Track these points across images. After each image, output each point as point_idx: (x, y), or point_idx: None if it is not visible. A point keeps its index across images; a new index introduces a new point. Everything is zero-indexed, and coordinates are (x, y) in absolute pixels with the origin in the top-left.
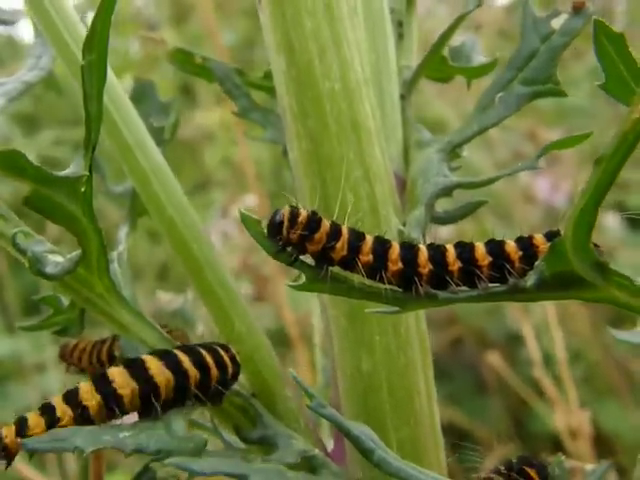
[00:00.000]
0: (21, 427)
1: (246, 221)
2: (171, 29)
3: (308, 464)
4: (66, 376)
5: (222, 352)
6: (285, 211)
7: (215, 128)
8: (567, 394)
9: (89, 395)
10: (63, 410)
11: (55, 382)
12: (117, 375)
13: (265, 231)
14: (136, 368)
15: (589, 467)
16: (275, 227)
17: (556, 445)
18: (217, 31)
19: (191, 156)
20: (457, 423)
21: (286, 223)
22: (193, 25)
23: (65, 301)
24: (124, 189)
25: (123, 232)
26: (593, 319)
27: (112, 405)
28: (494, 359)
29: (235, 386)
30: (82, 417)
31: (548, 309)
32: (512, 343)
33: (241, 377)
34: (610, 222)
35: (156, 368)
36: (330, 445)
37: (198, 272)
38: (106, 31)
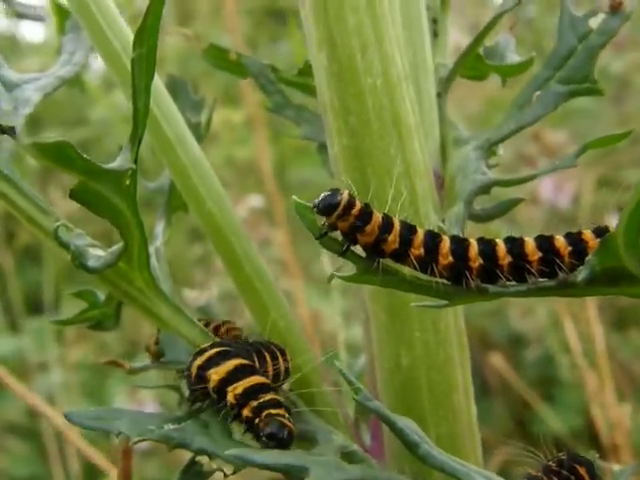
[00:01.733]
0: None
1: (298, 207)
2: (176, 30)
3: (348, 460)
4: (68, 376)
5: (280, 358)
6: (343, 196)
7: (219, 128)
8: (604, 388)
9: None
10: None
11: (58, 381)
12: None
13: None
14: None
15: (616, 467)
16: (327, 207)
17: (558, 447)
18: (237, 29)
19: None
20: None
21: (340, 209)
22: (197, 26)
23: (101, 295)
24: (158, 185)
25: (160, 227)
26: (593, 327)
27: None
28: (497, 361)
29: None
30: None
31: (589, 304)
32: (515, 345)
33: None
34: (614, 223)
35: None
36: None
37: (237, 266)
38: (157, 24)
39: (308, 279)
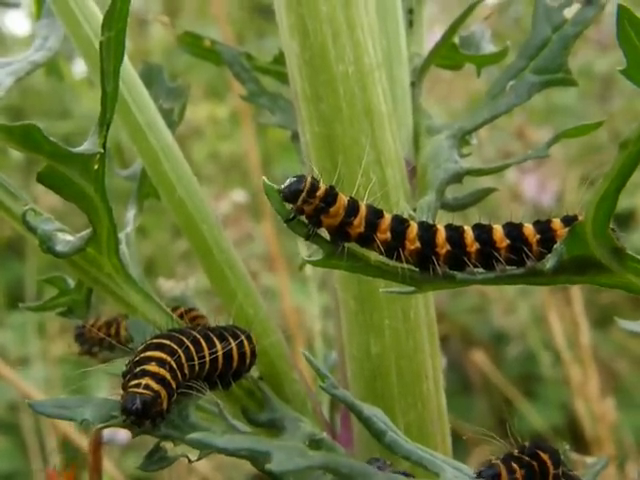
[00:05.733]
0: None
1: (267, 189)
2: (161, 24)
3: (316, 447)
4: (50, 370)
5: (246, 343)
6: (307, 181)
7: (203, 123)
8: (589, 382)
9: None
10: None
11: (39, 376)
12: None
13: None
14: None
15: (589, 460)
16: (292, 193)
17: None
18: (224, 21)
19: None
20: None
21: (304, 193)
22: (184, 20)
23: (71, 282)
24: (131, 172)
25: (131, 214)
26: (579, 323)
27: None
28: (479, 357)
29: None
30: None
31: (574, 297)
32: (497, 342)
33: None
34: None
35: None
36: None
37: (206, 253)
38: (126, 8)
39: (292, 275)
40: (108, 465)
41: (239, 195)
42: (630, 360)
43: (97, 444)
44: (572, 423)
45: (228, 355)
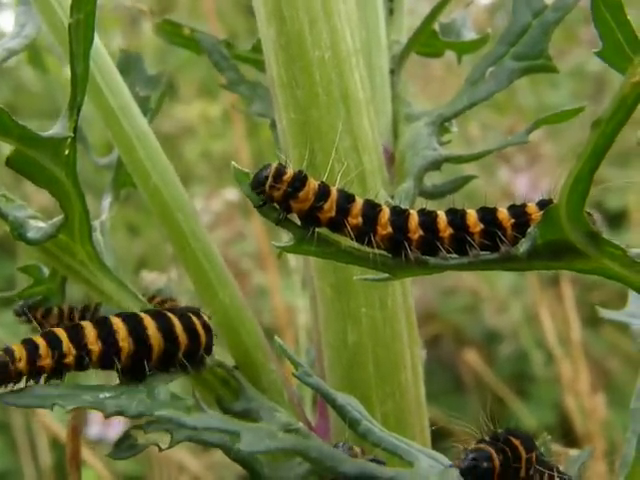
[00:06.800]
0: (31, 353)
1: (237, 174)
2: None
3: None
4: None
5: (194, 319)
6: (272, 167)
7: (195, 122)
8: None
9: (93, 339)
10: (69, 347)
11: None
12: (120, 327)
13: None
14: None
15: (574, 452)
16: (258, 181)
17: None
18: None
19: (171, 150)
20: (434, 420)
21: (270, 179)
22: (175, 17)
23: (47, 271)
24: (108, 161)
25: (106, 202)
26: (569, 318)
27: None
28: (471, 357)
29: (218, 358)
30: (81, 360)
31: (565, 293)
32: (489, 341)
33: (224, 349)
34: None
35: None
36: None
37: (182, 242)
38: None
39: (283, 272)
40: (98, 465)
41: (231, 193)
42: (621, 359)
43: (75, 431)
44: (564, 422)
45: (168, 333)
